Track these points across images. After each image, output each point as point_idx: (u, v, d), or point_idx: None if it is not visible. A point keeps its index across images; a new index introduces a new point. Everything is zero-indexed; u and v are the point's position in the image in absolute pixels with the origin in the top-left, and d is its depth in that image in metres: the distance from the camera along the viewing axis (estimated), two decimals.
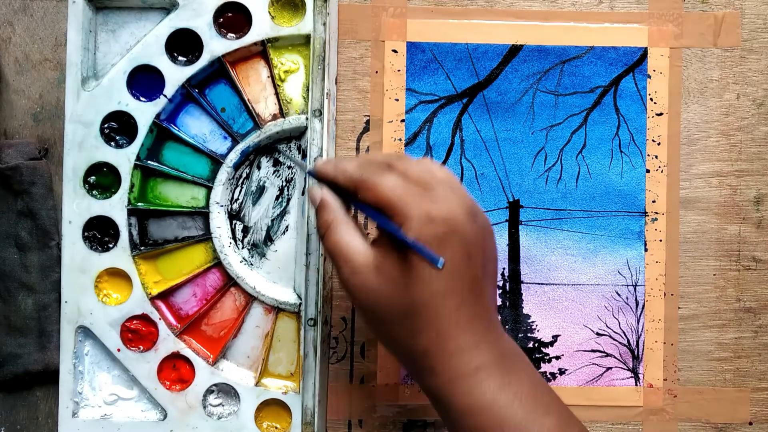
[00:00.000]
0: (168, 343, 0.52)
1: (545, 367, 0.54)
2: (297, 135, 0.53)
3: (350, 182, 0.41)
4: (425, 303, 0.38)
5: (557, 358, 0.54)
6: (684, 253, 0.54)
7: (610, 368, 0.54)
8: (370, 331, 0.50)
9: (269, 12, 0.52)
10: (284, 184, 0.53)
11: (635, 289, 0.54)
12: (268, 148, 0.53)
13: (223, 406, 0.53)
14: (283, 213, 0.53)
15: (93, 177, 0.52)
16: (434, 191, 0.39)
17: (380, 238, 0.41)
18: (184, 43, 0.52)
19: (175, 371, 0.52)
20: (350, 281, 0.40)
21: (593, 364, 0.54)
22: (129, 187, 0.52)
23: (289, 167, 0.53)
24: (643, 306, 0.54)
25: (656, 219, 0.54)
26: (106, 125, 0.52)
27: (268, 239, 0.53)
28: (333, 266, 0.45)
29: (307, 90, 0.52)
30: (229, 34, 0.52)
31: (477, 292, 0.40)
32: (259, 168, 0.53)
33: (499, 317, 0.54)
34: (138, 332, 0.52)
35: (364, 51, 0.54)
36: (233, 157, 0.52)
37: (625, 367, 0.54)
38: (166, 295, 0.53)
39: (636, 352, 0.54)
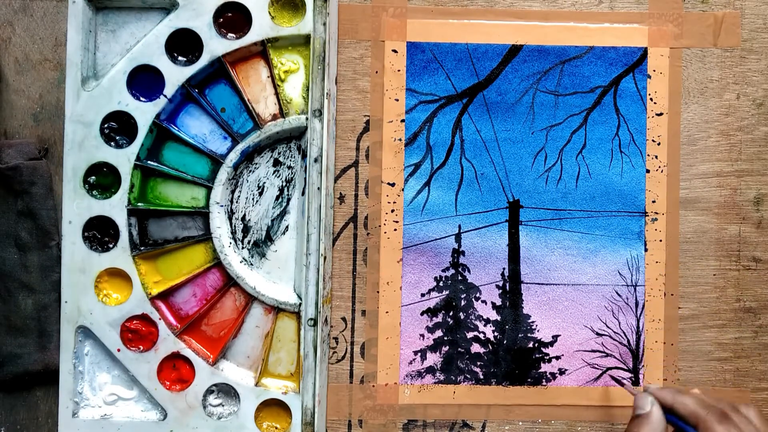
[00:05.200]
0: (168, 343, 0.52)
1: (545, 367, 0.54)
2: (297, 135, 0.53)
3: (692, 416, 0.46)
4: None
5: (557, 358, 0.54)
6: (684, 253, 0.54)
7: (610, 368, 0.54)
8: None
9: (269, 12, 0.52)
10: (284, 184, 0.53)
11: (635, 289, 0.54)
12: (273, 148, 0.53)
13: (223, 406, 0.53)
14: (283, 213, 0.53)
15: (93, 177, 0.52)
16: None
17: None
18: (184, 43, 0.52)
19: (175, 371, 0.52)
20: None
21: (593, 364, 0.54)
22: (129, 187, 0.52)
23: (289, 167, 0.53)
24: (643, 306, 0.54)
25: (656, 219, 0.54)
26: (106, 125, 0.52)
27: (268, 239, 0.53)
28: None
29: (307, 90, 0.52)
30: (229, 34, 0.52)
31: None
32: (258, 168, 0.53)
33: (499, 318, 0.54)
34: (138, 332, 0.52)
35: (364, 51, 0.54)
36: (233, 157, 0.52)
37: (625, 368, 0.54)
38: (166, 295, 0.53)
39: (636, 352, 0.54)
